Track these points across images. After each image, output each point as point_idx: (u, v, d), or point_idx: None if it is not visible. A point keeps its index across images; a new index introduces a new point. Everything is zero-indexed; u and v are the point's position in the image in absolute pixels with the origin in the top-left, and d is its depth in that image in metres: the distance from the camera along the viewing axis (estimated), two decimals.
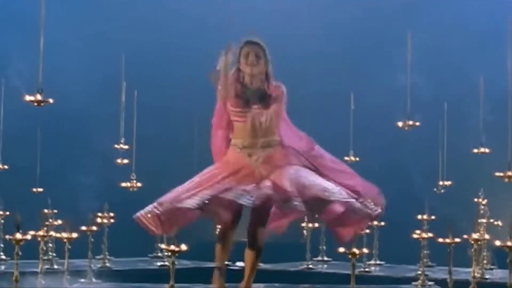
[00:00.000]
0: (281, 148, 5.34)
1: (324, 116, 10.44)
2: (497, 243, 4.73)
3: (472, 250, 5.31)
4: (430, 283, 6.79)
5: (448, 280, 5.85)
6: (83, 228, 6.51)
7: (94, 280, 6.63)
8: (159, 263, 8.45)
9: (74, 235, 5.66)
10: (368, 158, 9.93)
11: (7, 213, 8.43)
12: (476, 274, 5.22)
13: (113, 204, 8.63)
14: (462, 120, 9.68)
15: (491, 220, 8.87)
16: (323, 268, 8.81)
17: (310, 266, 8.47)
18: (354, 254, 4.52)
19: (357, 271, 7.99)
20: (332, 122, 10.41)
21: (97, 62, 9.94)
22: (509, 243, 4.58)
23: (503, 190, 9.23)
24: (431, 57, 10.01)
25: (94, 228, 6.55)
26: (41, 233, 5.03)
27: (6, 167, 9.04)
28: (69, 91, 9.91)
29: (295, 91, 10.54)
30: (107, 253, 8.36)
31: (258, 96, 5.31)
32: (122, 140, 9.00)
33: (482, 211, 9.16)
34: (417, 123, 7.80)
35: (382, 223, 8.96)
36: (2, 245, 8.39)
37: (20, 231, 4.55)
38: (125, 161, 8.53)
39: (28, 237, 4.60)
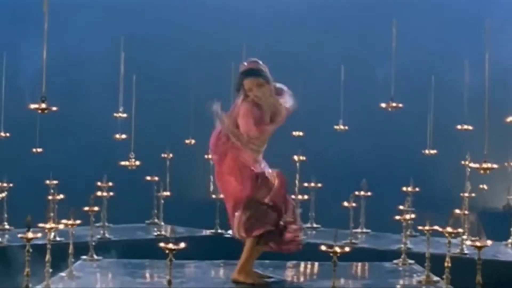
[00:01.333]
0: None
1: (316, 86, 10.91)
2: (468, 242, 5.20)
3: (447, 242, 5.79)
4: (410, 261, 7.25)
5: (425, 265, 6.38)
6: (85, 208, 6.97)
7: (95, 257, 7.10)
8: (155, 232, 8.96)
9: (78, 221, 6.12)
10: (357, 129, 10.42)
11: (11, 184, 8.90)
12: (448, 264, 5.71)
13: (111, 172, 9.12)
14: (449, 95, 10.15)
15: (471, 193, 9.36)
16: (311, 236, 9.32)
17: None
18: (335, 252, 4.99)
19: (343, 242, 8.58)
20: (323, 92, 10.87)
21: (99, 41, 10.39)
22: (478, 244, 5.06)
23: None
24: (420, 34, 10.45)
25: (96, 208, 7.00)
26: (48, 226, 5.46)
27: (8, 134, 9.49)
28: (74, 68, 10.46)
29: (290, 60, 11.09)
30: (106, 223, 8.90)
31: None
32: (121, 109, 9.42)
33: (468, 174, 9.73)
34: (400, 105, 8.21)
35: (369, 193, 9.48)
36: (6, 216, 8.87)
37: (31, 230, 4.99)
38: (123, 136, 8.99)
39: (39, 235, 5.05)
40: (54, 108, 5.19)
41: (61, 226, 5.57)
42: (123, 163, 8.44)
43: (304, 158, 10.03)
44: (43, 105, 5.08)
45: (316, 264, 7.19)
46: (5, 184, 8.80)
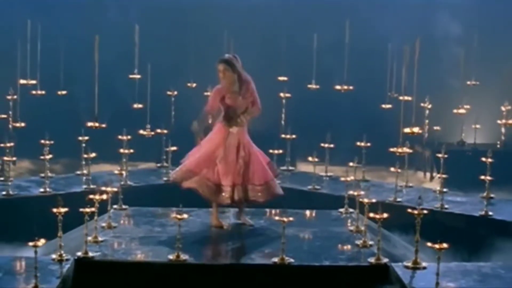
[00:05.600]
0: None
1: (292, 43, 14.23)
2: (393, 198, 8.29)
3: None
4: (351, 210, 9.85)
5: (355, 214, 9.51)
6: (116, 171, 10.14)
7: (123, 206, 10.16)
8: (165, 178, 11.78)
9: (115, 189, 9.26)
10: (329, 76, 13.26)
11: (52, 142, 11.70)
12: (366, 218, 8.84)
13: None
14: None
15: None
16: (287, 180, 12.00)
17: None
18: (283, 221, 8.07)
19: (307, 188, 11.61)
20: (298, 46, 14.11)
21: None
22: (393, 199, 8.16)
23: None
24: None
25: (123, 172, 10.16)
26: (97, 197, 8.52)
27: (43, 92, 12.57)
28: None
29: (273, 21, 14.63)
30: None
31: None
32: (135, 71, 12.47)
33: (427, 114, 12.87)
34: (351, 87, 11.20)
35: (332, 146, 12.33)
36: (48, 165, 11.73)
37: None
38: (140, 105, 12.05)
39: (93, 208, 8.21)
40: (104, 125, 8.19)
41: (104, 196, 8.62)
42: (141, 132, 11.50)
43: (289, 95, 13.00)
44: (97, 124, 8.07)
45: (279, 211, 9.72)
46: (47, 142, 10.86)
